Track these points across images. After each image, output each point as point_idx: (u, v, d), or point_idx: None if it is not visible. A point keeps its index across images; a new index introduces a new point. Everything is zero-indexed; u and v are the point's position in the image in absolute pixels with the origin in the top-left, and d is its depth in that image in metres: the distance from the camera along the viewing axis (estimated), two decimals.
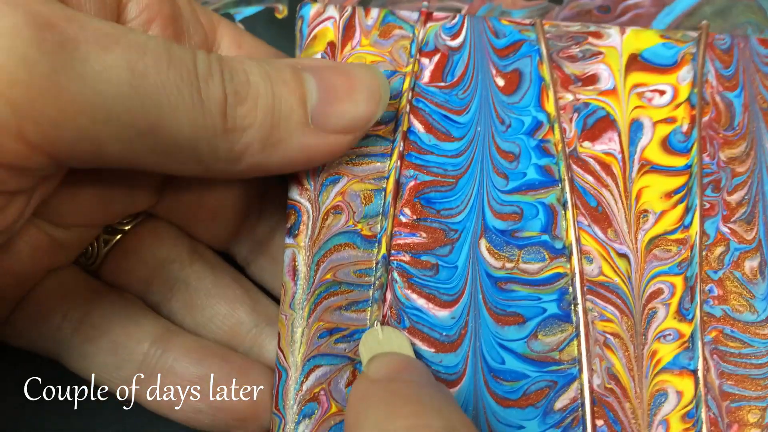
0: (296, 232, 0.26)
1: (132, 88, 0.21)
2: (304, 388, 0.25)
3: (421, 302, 0.26)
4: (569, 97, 0.28)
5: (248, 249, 0.31)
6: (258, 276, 0.31)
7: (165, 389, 0.27)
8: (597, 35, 0.28)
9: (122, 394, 0.28)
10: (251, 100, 0.23)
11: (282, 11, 0.37)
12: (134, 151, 0.22)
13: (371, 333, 0.24)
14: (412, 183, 0.27)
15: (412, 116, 0.27)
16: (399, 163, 0.27)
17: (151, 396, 0.27)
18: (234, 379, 0.28)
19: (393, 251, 0.26)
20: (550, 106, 0.28)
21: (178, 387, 0.27)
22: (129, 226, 0.29)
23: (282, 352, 0.25)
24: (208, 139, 0.23)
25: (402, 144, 0.27)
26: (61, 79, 0.20)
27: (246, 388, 0.28)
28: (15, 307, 0.27)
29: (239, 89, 0.23)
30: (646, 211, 0.27)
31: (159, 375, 0.27)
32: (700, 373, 0.25)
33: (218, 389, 0.27)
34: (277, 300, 0.30)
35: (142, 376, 0.27)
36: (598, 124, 0.27)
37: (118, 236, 0.29)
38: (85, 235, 0.28)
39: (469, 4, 0.37)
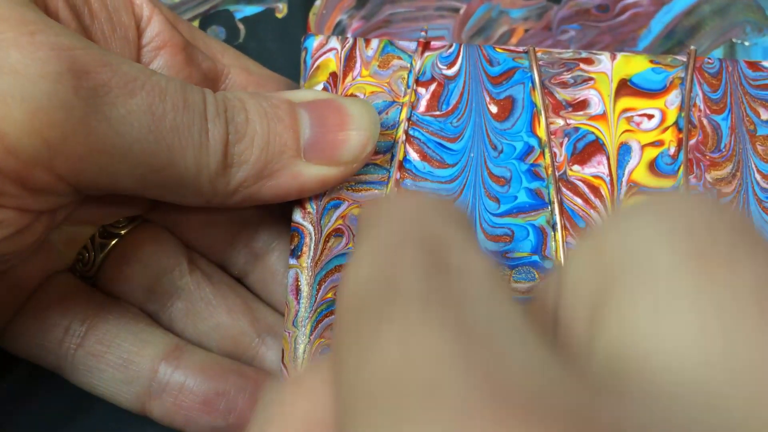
0: (299, 253, 0.28)
1: (150, 132, 0.23)
2: None
3: None
4: (560, 122, 0.29)
5: (245, 260, 0.32)
6: (254, 288, 0.32)
7: (179, 406, 0.28)
8: (588, 61, 0.30)
9: (134, 410, 0.29)
10: (248, 138, 0.25)
11: (282, 10, 0.38)
12: (144, 185, 0.24)
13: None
14: None
15: (407, 145, 0.29)
16: (395, 190, 0.28)
17: (164, 412, 0.28)
18: (249, 394, 0.29)
19: None
20: (541, 132, 0.29)
21: (194, 404, 0.28)
22: (125, 231, 0.30)
23: (285, 367, 0.27)
24: (210, 176, 0.25)
25: (398, 173, 0.28)
26: (91, 122, 0.22)
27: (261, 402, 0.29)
28: (14, 316, 0.28)
29: (239, 128, 0.25)
30: None
31: (173, 391, 0.28)
32: None
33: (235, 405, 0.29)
34: (274, 309, 0.31)
35: (154, 393, 0.28)
36: (587, 148, 0.29)
37: (114, 241, 0.30)
38: (78, 235, 0.30)
39: (468, 4, 0.38)
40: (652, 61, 0.30)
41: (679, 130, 0.29)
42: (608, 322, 0.13)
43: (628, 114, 0.29)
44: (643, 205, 0.15)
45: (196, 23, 0.38)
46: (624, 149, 0.29)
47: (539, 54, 0.30)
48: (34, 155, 0.21)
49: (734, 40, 0.37)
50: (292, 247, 0.28)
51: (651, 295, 0.13)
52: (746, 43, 0.37)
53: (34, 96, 0.21)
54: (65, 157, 0.22)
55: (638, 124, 0.29)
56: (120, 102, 0.22)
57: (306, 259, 0.28)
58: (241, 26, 0.38)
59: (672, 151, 0.29)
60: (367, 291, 0.14)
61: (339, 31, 0.38)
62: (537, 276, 0.27)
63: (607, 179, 0.28)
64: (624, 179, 0.28)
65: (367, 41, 0.30)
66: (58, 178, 0.22)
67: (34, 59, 0.21)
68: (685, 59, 0.30)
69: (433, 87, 0.29)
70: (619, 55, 0.30)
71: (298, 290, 0.27)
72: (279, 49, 0.38)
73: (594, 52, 0.30)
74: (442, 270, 0.14)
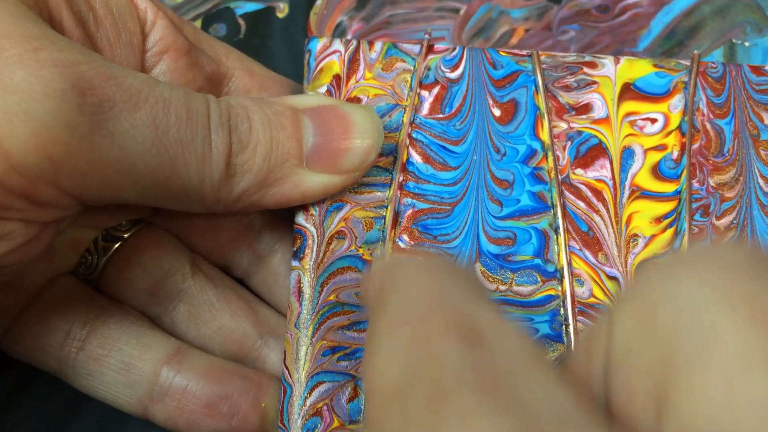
0: (302, 255, 0.28)
1: (154, 145, 0.23)
2: (308, 403, 0.26)
3: None
4: (563, 125, 0.29)
5: (248, 261, 0.31)
6: (257, 289, 0.32)
7: (181, 409, 0.28)
8: (592, 65, 0.30)
9: (136, 414, 0.29)
10: (252, 147, 0.25)
11: (283, 10, 0.38)
12: (147, 196, 0.24)
13: (381, 256, 0.26)
14: (409, 211, 0.28)
15: (411, 148, 0.29)
16: (398, 192, 0.28)
17: (166, 416, 0.28)
18: (252, 397, 0.29)
19: None
20: (544, 135, 0.29)
21: (197, 407, 0.28)
22: (127, 234, 0.30)
23: (287, 369, 0.27)
24: (212, 186, 0.25)
25: (401, 175, 0.28)
26: (95, 138, 0.22)
27: (263, 405, 0.29)
28: (15, 319, 0.28)
29: (242, 137, 0.25)
30: (636, 235, 0.28)
31: (175, 395, 0.28)
32: None
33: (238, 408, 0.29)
34: (277, 311, 0.31)
35: (157, 397, 0.28)
36: (590, 152, 0.29)
37: (117, 244, 0.30)
38: (81, 239, 0.30)
39: (468, 5, 0.38)
40: (655, 65, 0.30)
41: (683, 134, 0.29)
42: (677, 404, 0.13)
43: (632, 118, 0.29)
44: (685, 262, 0.14)
45: (198, 23, 0.38)
46: (627, 153, 0.29)
47: (542, 57, 0.30)
48: (39, 172, 0.21)
49: (734, 40, 0.37)
50: (295, 249, 0.28)
51: (720, 367, 0.12)
52: (746, 44, 0.37)
53: (38, 114, 0.21)
54: (69, 173, 0.22)
55: (641, 128, 0.29)
56: (124, 116, 0.22)
57: (308, 261, 0.28)
58: (241, 22, 0.38)
59: (675, 155, 0.29)
60: (405, 383, 0.13)
61: (339, 32, 0.38)
62: (539, 279, 0.27)
63: (610, 183, 0.28)
64: (627, 183, 0.28)
65: (371, 44, 0.30)
66: (63, 193, 0.22)
67: (39, 77, 0.21)
68: (688, 63, 0.30)
69: (436, 90, 0.29)
70: (623, 59, 0.30)
71: (300, 292, 0.27)
72: (280, 48, 0.38)
73: (597, 55, 0.30)
74: (476, 344, 0.14)
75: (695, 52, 0.30)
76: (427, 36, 0.30)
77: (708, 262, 0.13)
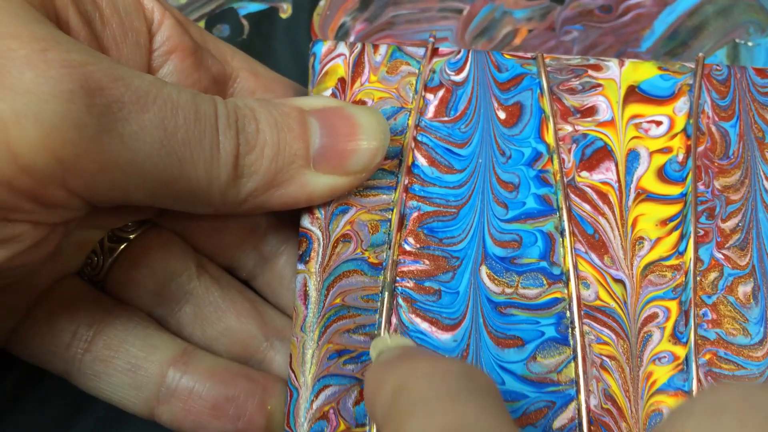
0: (307, 258, 0.28)
1: (162, 146, 0.23)
2: (314, 406, 0.26)
3: (424, 326, 0.27)
4: (568, 128, 0.29)
5: (253, 263, 0.31)
6: (262, 291, 0.32)
7: (188, 411, 0.28)
8: (596, 68, 0.30)
9: (142, 415, 0.29)
10: (259, 148, 0.25)
11: (286, 10, 0.38)
12: (155, 197, 0.24)
13: (380, 338, 0.26)
14: (415, 214, 0.28)
15: (416, 151, 0.29)
16: (404, 195, 0.28)
17: (173, 418, 0.28)
18: (258, 399, 0.29)
19: (397, 278, 0.27)
20: (549, 138, 0.29)
21: (203, 409, 0.28)
22: (133, 235, 0.30)
23: (293, 372, 0.27)
24: (220, 187, 0.25)
25: (406, 178, 0.28)
26: (104, 139, 0.22)
27: (269, 407, 0.29)
28: (21, 320, 0.28)
29: (249, 139, 0.25)
30: (641, 238, 0.28)
31: (182, 396, 0.28)
32: (694, 394, 0.26)
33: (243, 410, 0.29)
34: (282, 312, 0.31)
35: (163, 398, 0.28)
36: (595, 155, 0.29)
37: (123, 245, 0.30)
38: (87, 240, 0.30)
39: (471, 5, 0.38)
40: (660, 68, 0.30)
41: (688, 136, 0.29)
42: None
43: (637, 120, 0.29)
44: (726, 414, 0.14)
45: (202, 23, 0.38)
46: (632, 156, 0.29)
47: (547, 60, 0.30)
48: (48, 174, 0.21)
49: (737, 40, 0.37)
50: (301, 253, 0.28)
51: None
52: (749, 44, 0.37)
53: (47, 116, 0.21)
54: (78, 175, 0.22)
55: (646, 131, 0.29)
56: (132, 118, 0.22)
57: (314, 265, 0.28)
58: (245, 22, 0.38)
59: (680, 157, 0.29)
60: None
61: (343, 32, 0.38)
62: (545, 282, 0.27)
63: (616, 185, 0.28)
64: (632, 186, 0.28)
65: (376, 47, 0.30)
66: (72, 194, 0.22)
67: (47, 78, 0.21)
68: (693, 65, 0.30)
69: (441, 93, 0.29)
70: (627, 62, 0.30)
71: (306, 295, 0.27)
72: (283, 48, 0.38)
73: (602, 58, 0.30)
74: None
75: (700, 54, 0.30)
76: (431, 39, 0.30)
77: (750, 420, 0.14)
